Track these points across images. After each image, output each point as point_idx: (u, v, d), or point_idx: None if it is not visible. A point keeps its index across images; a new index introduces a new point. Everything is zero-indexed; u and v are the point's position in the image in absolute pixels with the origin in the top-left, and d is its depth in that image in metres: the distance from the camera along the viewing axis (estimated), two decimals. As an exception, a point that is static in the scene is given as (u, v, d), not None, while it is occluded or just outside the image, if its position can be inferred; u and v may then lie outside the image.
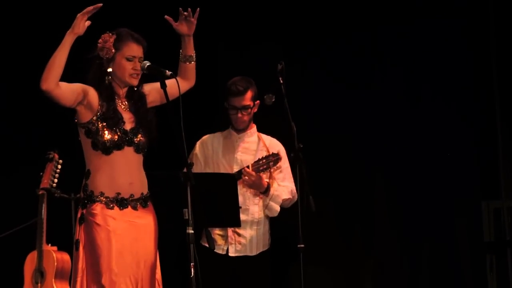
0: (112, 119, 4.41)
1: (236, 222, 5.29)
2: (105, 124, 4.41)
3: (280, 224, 5.69)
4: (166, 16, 4.59)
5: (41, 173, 5.65)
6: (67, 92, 4.33)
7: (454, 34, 7.03)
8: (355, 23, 7.04)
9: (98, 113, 4.41)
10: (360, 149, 6.99)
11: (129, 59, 4.45)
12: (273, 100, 5.25)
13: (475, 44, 7.08)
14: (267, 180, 5.40)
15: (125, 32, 4.50)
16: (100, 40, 4.46)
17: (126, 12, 6.35)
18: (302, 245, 5.06)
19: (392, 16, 7.02)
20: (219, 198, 5.10)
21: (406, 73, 7.07)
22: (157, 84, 4.45)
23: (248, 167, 5.29)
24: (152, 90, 4.58)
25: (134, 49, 4.47)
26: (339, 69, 7.03)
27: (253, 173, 5.28)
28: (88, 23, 4.26)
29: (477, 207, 7.11)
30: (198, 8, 4.61)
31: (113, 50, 4.44)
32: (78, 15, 4.23)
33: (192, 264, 4.22)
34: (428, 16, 7.01)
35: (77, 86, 4.39)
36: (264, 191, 5.40)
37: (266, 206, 5.47)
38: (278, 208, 5.48)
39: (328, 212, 6.75)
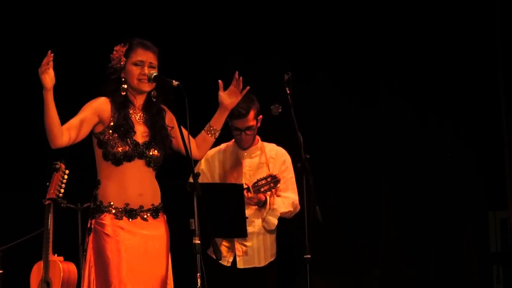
0: (122, 126, 4.41)
1: (242, 233, 5.27)
2: (116, 135, 4.41)
3: (287, 234, 5.68)
4: (219, 81, 4.70)
5: (48, 183, 5.65)
6: (74, 134, 4.35)
7: (460, 44, 7.05)
8: (361, 36, 7.05)
9: (111, 124, 4.42)
10: (367, 159, 6.99)
11: (136, 64, 4.47)
12: (280, 110, 5.24)
13: (481, 53, 7.10)
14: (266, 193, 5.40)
15: (136, 40, 4.53)
16: (113, 52, 4.52)
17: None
18: (309, 256, 5.04)
19: (398, 31, 7.05)
20: (225, 209, 5.09)
21: (411, 83, 7.08)
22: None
23: (248, 189, 5.28)
24: (175, 126, 4.59)
25: (142, 55, 4.48)
26: (345, 80, 7.04)
27: (253, 195, 5.28)
28: (52, 73, 4.20)
29: (484, 217, 7.10)
30: (248, 87, 4.72)
31: (123, 59, 4.47)
32: (39, 71, 4.19)
33: (198, 274, 4.21)
34: (433, 31, 7.05)
35: (83, 117, 4.39)
36: (262, 204, 5.40)
37: (263, 219, 5.46)
38: (275, 222, 5.47)
39: (335, 222, 6.75)
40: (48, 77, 4.19)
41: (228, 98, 4.70)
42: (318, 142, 6.32)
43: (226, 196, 5.15)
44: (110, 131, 4.41)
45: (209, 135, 4.71)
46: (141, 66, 4.47)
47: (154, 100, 4.54)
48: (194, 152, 4.65)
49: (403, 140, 7.01)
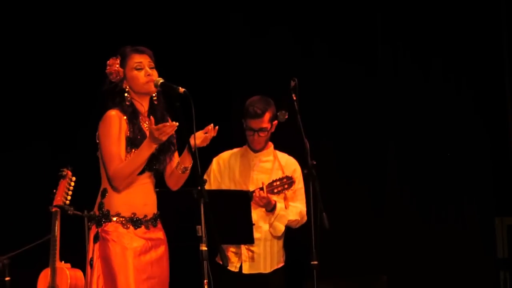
0: (138, 140, 4.37)
1: (249, 239, 5.27)
2: (131, 148, 4.38)
3: (294, 240, 5.68)
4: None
5: (54, 190, 5.65)
6: None
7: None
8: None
9: (127, 137, 4.40)
10: (371, 163, 7.02)
11: (138, 68, 4.45)
12: (286, 117, 5.26)
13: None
14: (275, 199, 5.38)
15: (127, 48, 4.51)
16: (107, 67, 4.48)
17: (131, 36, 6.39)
18: (316, 262, 5.04)
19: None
20: (232, 215, 5.09)
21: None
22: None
23: (261, 188, 5.27)
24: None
25: (139, 58, 4.46)
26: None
27: (265, 195, 5.26)
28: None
29: (491, 223, 7.09)
30: (217, 126, 4.54)
31: (121, 70, 4.45)
32: (162, 133, 4.21)
33: (205, 281, 4.22)
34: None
35: (123, 145, 4.39)
36: (270, 209, 5.39)
37: (270, 225, 5.45)
38: (282, 228, 5.46)
39: (341, 228, 6.74)
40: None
41: (201, 140, 4.49)
42: (322, 147, 6.35)
43: (233, 202, 5.15)
44: (126, 144, 4.40)
45: (177, 170, 4.57)
46: (142, 68, 4.45)
47: (156, 103, 4.53)
48: (171, 186, 4.64)
49: (410, 151, 7.04)
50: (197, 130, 4.33)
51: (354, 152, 7.07)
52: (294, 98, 5.21)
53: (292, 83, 5.21)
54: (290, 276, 5.72)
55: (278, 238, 5.52)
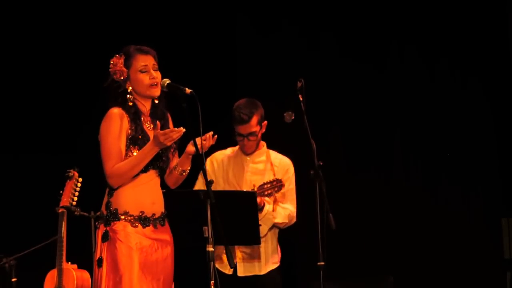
0: (140, 140, 4.40)
1: (255, 240, 5.25)
2: (133, 147, 4.40)
3: (289, 241, 5.67)
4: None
5: (61, 191, 5.66)
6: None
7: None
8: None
9: (128, 136, 4.42)
10: (378, 163, 7.03)
11: (142, 71, 4.45)
12: (293, 117, 5.24)
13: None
14: (267, 199, 5.36)
15: (131, 48, 4.50)
16: (110, 65, 4.48)
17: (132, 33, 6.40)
18: (322, 263, 5.03)
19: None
20: (238, 216, 5.08)
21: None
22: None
23: (252, 190, 5.26)
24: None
25: (144, 60, 4.46)
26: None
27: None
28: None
29: (497, 224, 7.09)
30: (216, 135, 4.51)
31: (125, 70, 4.45)
32: (168, 138, 4.23)
33: (212, 281, 4.22)
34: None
35: (123, 145, 4.40)
36: (259, 209, 5.36)
37: None
38: (265, 230, 5.42)
39: (348, 229, 6.74)
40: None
41: (193, 147, 4.45)
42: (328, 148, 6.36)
43: (239, 203, 5.15)
44: (127, 143, 4.41)
45: (176, 172, 4.59)
46: (147, 71, 4.46)
47: (157, 102, 4.53)
48: (170, 185, 4.65)
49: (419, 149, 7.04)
50: (203, 131, 4.32)
51: (360, 152, 7.08)
52: (301, 98, 5.20)
53: (299, 84, 5.21)
54: (285, 278, 5.70)
55: (273, 237, 5.50)
